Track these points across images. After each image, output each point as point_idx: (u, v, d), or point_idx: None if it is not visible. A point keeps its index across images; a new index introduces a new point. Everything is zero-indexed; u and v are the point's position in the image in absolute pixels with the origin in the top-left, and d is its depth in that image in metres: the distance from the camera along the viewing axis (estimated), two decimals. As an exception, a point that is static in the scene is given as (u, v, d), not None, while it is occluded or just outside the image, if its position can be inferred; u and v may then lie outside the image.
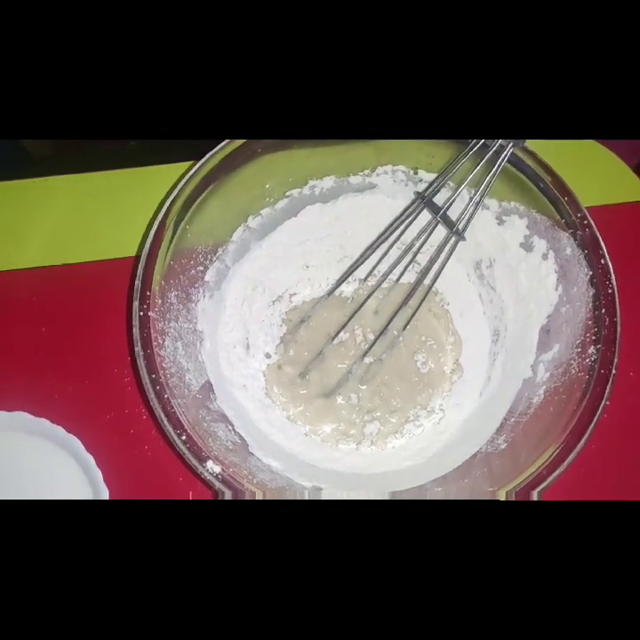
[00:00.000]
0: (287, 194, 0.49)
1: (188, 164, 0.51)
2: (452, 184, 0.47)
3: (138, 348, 0.39)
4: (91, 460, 0.45)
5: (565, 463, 0.38)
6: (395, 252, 0.50)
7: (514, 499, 0.37)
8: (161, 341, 0.40)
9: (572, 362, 0.42)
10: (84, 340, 0.51)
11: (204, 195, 0.44)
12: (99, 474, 0.45)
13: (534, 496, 0.37)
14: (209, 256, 0.47)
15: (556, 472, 0.37)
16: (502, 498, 0.38)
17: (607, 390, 0.39)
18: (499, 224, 0.48)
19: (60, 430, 0.45)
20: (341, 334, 0.51)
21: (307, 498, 0.40)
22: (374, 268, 0.51)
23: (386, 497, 0.41)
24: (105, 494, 0.44)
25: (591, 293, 0.42)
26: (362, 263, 0.49)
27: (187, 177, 0.44)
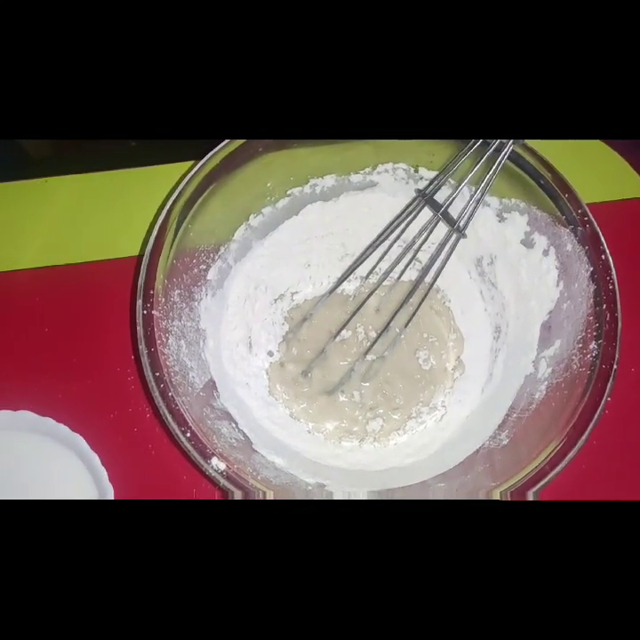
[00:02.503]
0: (288, 192, 0.49)
1: (189, 163, 0.51)
2: (452, 181, 0.47)
3: (142, 346, 0.40)
4: (95, 458, 0.45)
5: (567, 458, 0.38)
6: (396, 250, 0.50)
7: (511, 498, 0.38)
8: (164, 339, 0.41)
9: (574, 358, 0.42)
10: (87, 340, 0.51)
11: (205, 194, 0.44)
12: (103, 472, 0.45)
13: (530, 496, 0.37)
14: (211, 255, 0.48)
15: (558, 467, 0.38)
16: (502, 496, 0.38)
17: (608, 386, 0.40)
18: (499, 221, 0.48)
19: (64, 429, 0.45)
20: (343, 332, 0.51)
21: (310, 497, 0.41)
22: (376, 265, 0.51)
23: (384, 495, 0.41)
24: (109, 493, 0.45)
25: (592, 289, 0.42)
26: (363, 261, 0.49)
27: (188, 176, 0.44)
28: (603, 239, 0.43)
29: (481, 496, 0.39)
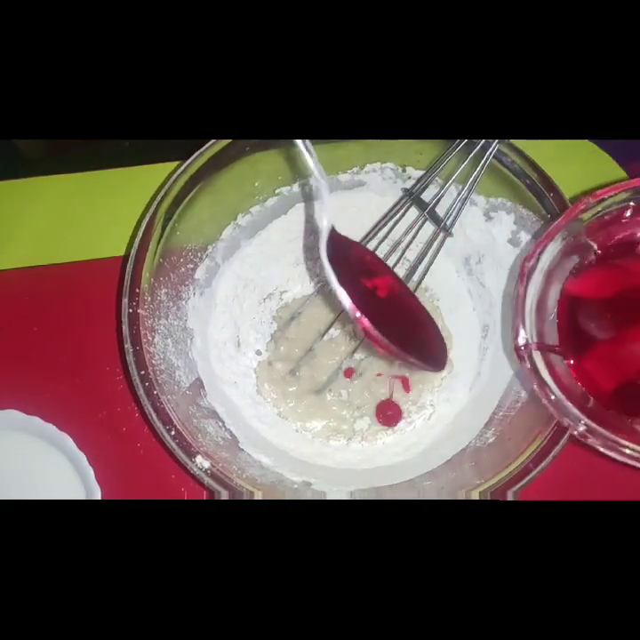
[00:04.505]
0: (277, 191, 0.49)
1: (177, 163, 0.51)
2: (439, 180, 0.47)
3: (127, 345, 0.40)
4: (82, 457, 0.45)
5: (551, 456, 0.38)
6: (384, 249, 0.50)
7: (496, 495, 0.38)
8: (150, 338, 0.41)
9: (559, 355, 0.42)
10: (75, 339, 0.51)
11: (193, 193, 0.44)
12: (90, 471, 0.45)
13: (510, 495, 0.38)
14: (199, 254, 0.48)
15: (543, 464, 0.38)
16: (487, 493, 0.38)
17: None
18: (486, 220, 0.49)
19: (51, 428, 0.45)
20: (331, 331, 0.51)
21: (297, 495, 0.41)
22: (364, 264, 0.51)
23: (370, 494, 0.41)
24: (97, 492, 0.45)
25: (577, 287, 0.42)
26: (351, 260, 0.49)
27: (175, 175, 0.44)
28: (588, 237, 0.43)
29: (466, 493, 0.39)
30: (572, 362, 0.36)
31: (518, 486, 0.38)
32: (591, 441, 0.34)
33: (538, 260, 0.35)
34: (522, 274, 0.35)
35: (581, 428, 0.34)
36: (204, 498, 0.46)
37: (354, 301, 0.34)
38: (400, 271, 0.52)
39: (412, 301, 0.42)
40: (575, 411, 0.34)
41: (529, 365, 0.35)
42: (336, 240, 0.37)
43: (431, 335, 0.40)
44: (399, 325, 0.38)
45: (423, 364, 0.36)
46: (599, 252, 0.37)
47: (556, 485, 0.43)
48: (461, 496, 0.39)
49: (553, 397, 0.34)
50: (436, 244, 0.47)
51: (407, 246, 0.49)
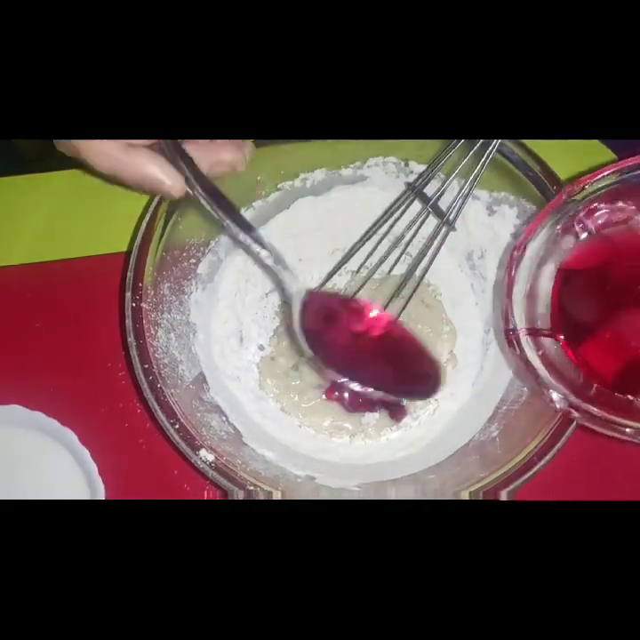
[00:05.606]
0: (279, 186, 0.49)
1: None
2: (442, 175, 0.47)
3: (130, 339, 0.40)
4: (85, 452, 0.45)
5: (556, 448, 0.38)
6: (386, 244, 0.50)
7: (500, 489, 0.38)
8: (153, 332, 0.41)
9: (563, 349, 0.42)
10: (77, 335, 0.51)
11: (195, 187, 0.44)
12: (93, 466, 0.45)
13: (503, 496, 0.38)
14: (201, 248, 0.48)
15: (547, 457, 0.38)
16: (489, 487, 0.38)
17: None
18: (489, 214, 0.49)
19: (54, 423, 0.45)
20: (334, 326, 0.51)
21: (300, 489, 0.41)
22: (366, 260, 0.51)
23: (374, 487, 0.41)
24: (100, 487, 0.45)
25: (581, 281, 0.42)
26: (353, 255, 0.49)
27: (178, 170, 0.44)
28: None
29: (469, 487, 0.39)
30: (570, 347, 0.36)
31: (522, 480, 0.38)
32: (589, 423, 0.33)
33: (525, 248, 0.35)
34: (510, 261, 0.35)
35: (568, 408, 0.33)
36: (206, 492, 0.47)
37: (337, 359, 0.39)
38: (402, 267, 0.52)
39: (402, 332, 0.45)
40: (564, 390, 0.33)
41: (518, 350, 0.35)
42: (314, 299, 0.40)
43: (423, 364, 0.43)
44: (391, 362, 0.42)
45: (413, 395, 0.42)
46: (592, 235, 0.37)
47: (556, 485, 0.44)
48: (464, 490, 0.38)
49: (546, 384, 0.34)
50: (438, 238, 0.47)
51: (409, 241, 0.49)
